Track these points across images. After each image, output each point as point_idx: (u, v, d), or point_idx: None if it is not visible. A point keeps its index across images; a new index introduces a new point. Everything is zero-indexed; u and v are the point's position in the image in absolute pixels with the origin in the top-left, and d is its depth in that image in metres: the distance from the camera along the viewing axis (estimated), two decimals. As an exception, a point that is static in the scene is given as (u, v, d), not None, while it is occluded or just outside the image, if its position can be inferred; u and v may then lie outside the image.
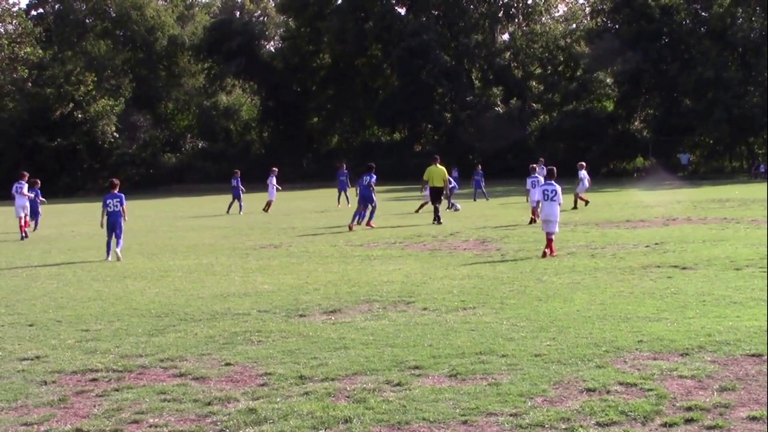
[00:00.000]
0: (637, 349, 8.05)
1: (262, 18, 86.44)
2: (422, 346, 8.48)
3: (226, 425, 6.22)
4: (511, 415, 6.23)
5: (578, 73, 70.21)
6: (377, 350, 8.38)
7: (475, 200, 37.14)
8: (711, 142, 64.69)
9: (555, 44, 72.31)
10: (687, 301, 10.53)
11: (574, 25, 74.98)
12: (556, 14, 77.17)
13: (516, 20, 75.58)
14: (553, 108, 70.06)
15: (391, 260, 16.06)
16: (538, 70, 74.56)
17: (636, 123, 68.57)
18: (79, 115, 66.89)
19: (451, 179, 31.08)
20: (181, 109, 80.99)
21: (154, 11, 75.38)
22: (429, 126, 72.16)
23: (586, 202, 29.16)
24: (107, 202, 18.16)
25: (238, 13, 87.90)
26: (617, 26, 65.03)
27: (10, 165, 60.52)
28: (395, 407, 6.49)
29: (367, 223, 24.20)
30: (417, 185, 27.16)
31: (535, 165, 27.31)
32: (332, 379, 7.36)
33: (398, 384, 7.14)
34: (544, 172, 26.59)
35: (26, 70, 66.94)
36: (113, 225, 17.94)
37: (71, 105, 67.11)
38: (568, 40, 71.31)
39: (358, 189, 26.17)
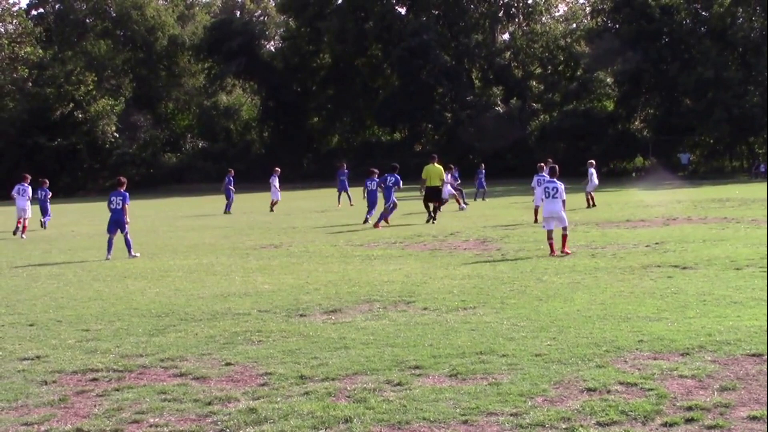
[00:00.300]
0: (637, 349, 8.05)
1: (262, 18, 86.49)
2: (422, 346, 8.48)
3: (227, 425, 6.22)
4: (511, 414, 6.23)
5: (578, 73, 70.22)
6: (377, 350, 8.38)
7: (477, 200, 37.10)
8: (711, 141, 64.71)
9: (555, 44, 72.33)
10: (687, 300, 10.52)
11: (574, 25, 75.00)
12: (557, 14, 77.27)
13: (516, 20, 75.60)
14: (553, 108, 70.06)
15: (391, 260, 16.06)
16: (538, 70, 74.57)
17: (636, 123, 68.59)
18: (80, 115, 66.92)
19: (456, 177, 31.40)
20: (182, 109, 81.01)
21: (154, 11, 75.40)
22: (429, 126, 72.18)
23: (593, 203, 29.26)
24: (111, 198, 18.21)
25: (238, 13, 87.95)
26: (617, 26, 65.04)
27: (10, 165, 60.58)
28: (395, 407, 6.49)
29: (375, 224, 24.18)
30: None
31: (542, 164, 27.25)
32: (332, 379, 7.36)
33: (398, 384, 7.14)
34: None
35: (26, 70, 66.96)
36: (114, 222, 17.94)
37: (71, 105, 67.13)
38: (569, 40, 71.33)
39: (365, 190, 26.42)
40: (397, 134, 74.80)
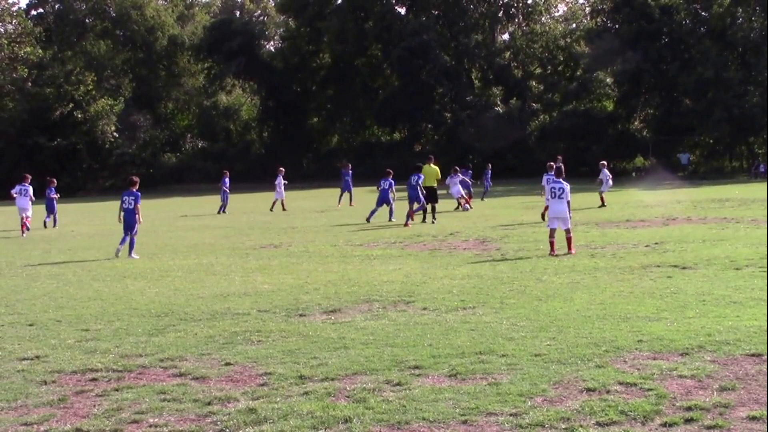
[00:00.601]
0: (636, 349, 8.05)
1: (262, 18, 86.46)
2: (422, 346, 8.48)
3: (226, 425, 6.22)
4: (510, 414, 6.23)
5: (578, 73, 70.22)
6: (377, 350, 8.38)
7: (485, 199, 36.98)
8: (711, 141, 64.71)
9: (555, 44, 72.33)
10: (687, 300, 10.53)
11: (574, 25, 74.98)
12: (556, 14, 77.22)
13: (516, 20, 75.58)
14: (553, 108, 70.06)
15: (391, 260, 16.07)
16: (538, 70, 74.57)
17: (636, 123, 68.59)
18: (79, 115, 66.87)
19: (466, 179, 31.59)
20: (181, 109, 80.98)
21: (154, 11, 75.35)
22: (429, 126, 72.16)
23: (603, 203, 29.41)
24: (123, 198, 18.30)
25: (238, 13, 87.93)
26: (617, 26, 65.05)
27: (10, 165, 60.55)
28: (395, 407, 6.49)
29: (405, 223, 24.33)
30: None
31: (551, 163, 27.21)
32: (332, 379, 7.36)
33: (398, 384, 7.14)
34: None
35: (26, 70, 66.93)
36: (127, 223, 18.04)
37: (71, 105, 67.09)
38: (568, 40, 71.33)
39: (379, 189, 27.34)
40: (397, 134, 74.79)
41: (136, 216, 18.06)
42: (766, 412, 6.09)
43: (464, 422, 6.11)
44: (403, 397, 6.73)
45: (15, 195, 26.25)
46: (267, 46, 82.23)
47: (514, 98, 68.38)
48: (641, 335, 8.59)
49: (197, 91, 78.45)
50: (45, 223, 28.12)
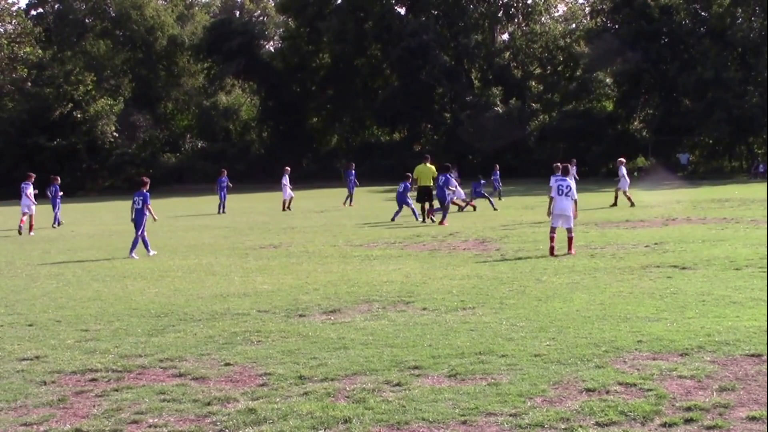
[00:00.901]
0: (636, 349, 8.05)
1: (262, 18, 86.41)
2: (422, 346, 8.48)
3: (226, 425, 6.23)
4: (510, 415, 6.23)
5: (578, 73, 70.16)
6: (377, 350, 8.38)
7: (502, 198, 36.39)
8: (711, 142, 64.65)
9: (555, 44, 72.28)
10: (686, 301, 10.53)
11: (574, 25, 74.91)
12: (556, 14, 77.14)
13: (516, 20, 75.52)
14: (552, 108, 70.02)
15: (390, 260, 16.06)
16: (538, 70, 74.54)
17: (636, 123, 68.52)
18: (79, 115, 66.85)
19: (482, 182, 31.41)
20: (181, 109, 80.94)
21: (153, 11, 75.30)
22: (429, 126, 72.14)
23: (615, 202, 29.35)
24: (134, 199, 18.46)
25: (237, 13, 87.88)
26: (617, 26, 64.99)
27: (10, 165, 60.56)
28: (395, 407, 6.49)
29: (441, 221, 24.47)
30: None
31: (558, 164, 27.12)
32: (332, 379, 7.36)
33: (398, 384, 7.14)
34: (574, 171, 27.45)
35: (26, 70, 66.91)
36: (137, 223, 18.15)
37: (71, 105, 67.06)
38: (568, 40, 71.27)
39: (398, 190, 27.98)
40: (397, 134, 74.76)
41: (145, 215, 18.20)
42: (765, 413, 6.09)
43: (464, 422, 6.12)
44: (402, 398, 6.73)
45: (23, 194, 26.31)
46: (267, 46, 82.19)
47: (514, 98, 68.34)
48: (641, 335, 8.59)
49: (197, 91, 78.42)
50: (57, 222, 28.49)
